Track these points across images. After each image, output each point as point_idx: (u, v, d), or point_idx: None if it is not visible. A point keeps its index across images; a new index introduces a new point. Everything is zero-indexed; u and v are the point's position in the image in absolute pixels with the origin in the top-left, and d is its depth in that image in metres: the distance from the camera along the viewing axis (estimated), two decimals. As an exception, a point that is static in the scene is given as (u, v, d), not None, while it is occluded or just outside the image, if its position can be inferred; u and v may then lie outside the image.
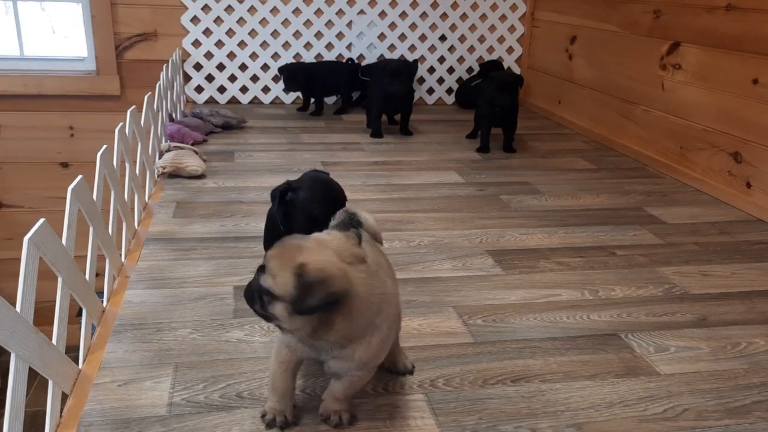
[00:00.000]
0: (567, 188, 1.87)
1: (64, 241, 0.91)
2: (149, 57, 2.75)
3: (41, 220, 0.82)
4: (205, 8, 2.73)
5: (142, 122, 1.59)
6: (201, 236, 1.43)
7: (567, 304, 1.19)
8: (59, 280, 0.90)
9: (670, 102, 2.05)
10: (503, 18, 2.98)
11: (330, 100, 2.92)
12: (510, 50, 3.03)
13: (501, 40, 3.01)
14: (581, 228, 1.57)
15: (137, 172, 1.53)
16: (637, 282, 1.29)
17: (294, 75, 2.58)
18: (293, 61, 2.85)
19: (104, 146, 1.21)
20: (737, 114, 1.77)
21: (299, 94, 2.81)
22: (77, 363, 0.94)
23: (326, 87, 2.75)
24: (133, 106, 1.51)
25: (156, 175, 1.78)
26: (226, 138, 2.26)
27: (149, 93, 1.74)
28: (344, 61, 2.80)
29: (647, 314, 1.16)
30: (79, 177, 1.01)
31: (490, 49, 3.01)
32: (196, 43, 2.77)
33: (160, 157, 1.84)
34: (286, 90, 2.63)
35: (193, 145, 2.12)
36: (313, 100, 2.73)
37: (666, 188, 1.90)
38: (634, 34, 2.22)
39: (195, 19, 2.74)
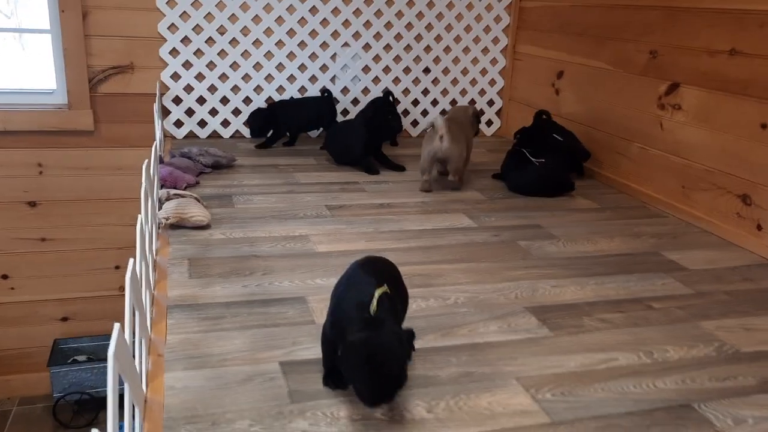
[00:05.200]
0: (579, 231, 1.85)
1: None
2: (125, 90, 2.62)
3: (116, 328, 0.73)
4: (185, 40, 2.62)
5: (151, 170, 1.48)
6: (226, 300, 1.33)
7: (628, 370, 1.16)
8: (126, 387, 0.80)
9: (669, 141, 2.07)
10: (485, 51, 2.98)
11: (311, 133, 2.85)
12: (492, 82, 3.03)
13: (483, 72, 3.01)
14: (609, 278, 1.55)
15: (149, 225, 1.42)
16: (685, 340, 1.27)
17: (268, 119, 2.57)
18: (277, 95, 2.77)
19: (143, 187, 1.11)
20: (744, 157, 1.80)
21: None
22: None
23: (308, 122, 2.70)
24: (146, 161, 1.41)
25: (158, 228, 1.67)
26: (218, 179, 2.16)
27: (154, 143, 1.63)
28: (321, 93, 2.72)
29: (710, 379, 1.14)
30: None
31: (473, 81, 3.00)
32: (176, 76, 2.65)
33: (159, 207, 1.73)
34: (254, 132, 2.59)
35: (186, 188, 2.02)
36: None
37: (674, 229, 1.91)
38: (628, 72, 2.24)
39: (174, 51, 2.62)
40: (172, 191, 1.79)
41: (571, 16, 2.55)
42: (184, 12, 2.59)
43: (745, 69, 1.79)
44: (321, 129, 2.81)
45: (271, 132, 2.62)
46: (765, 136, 1.74)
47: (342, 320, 1.00)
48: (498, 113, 3.08)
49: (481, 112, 2.39)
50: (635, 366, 1.17)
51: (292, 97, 2.75)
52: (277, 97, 2.77)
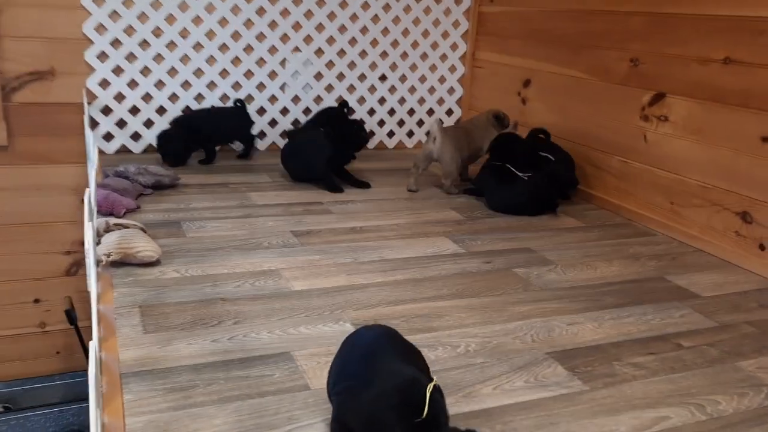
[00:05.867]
0: (573, 255, 1.69)
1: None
2: (44, 99, 2.29)
3: None
4: (115, 43, 2.32)
5: (91, 197, 1.21)
6: (194, 362, 1.08)
7: (685, 430, 0.99)
8: None
9: (654, 155, 1.95)
10: (444, 57, 2.81)
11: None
12: (451, 91, 2.87)
13: (442, 80, 2.84)
14: (624, 311, 1.39)
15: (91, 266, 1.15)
16: (731, 387, 1.12)
17: (188, 138, 2.27)
18: (220, 104, 2.50)
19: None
20: (744, 172, 1.69)
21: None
22: None
23: (223, 136, 2.43)
24: (87, 190, 1.14)
25: (98, 266, 1.39)
26: (161, 202, 1.88)
27: (90, 164, 1.36)
28: (235, 104, 2.42)
29: (780, 438, 0.98)
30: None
31: (431, 90, 2.83)
32: (104, 84, 2.34)
33: (97, 241, 1.45)
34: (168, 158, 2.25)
35: (125, 215, 1.73)
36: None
37: (669, 249, 1.78)
38: (606, 81, 2.12)
39: (103, 56, 2.31)
40: (112, 221, 1.51)
41: (540, 22, 2.41)
42: (114, 11, 2.29)
43: (741, 79, 1.68)
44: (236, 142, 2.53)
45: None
46: (766, 150, 1.63)
47: (372, 429, 0.77)
48: (457, 123, 2.92)
49: (503, 115, 2.17)
50: (691, 426, 1.00)
51: (201, 109, 2.43)
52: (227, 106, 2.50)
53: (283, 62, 2.57)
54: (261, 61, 2.54)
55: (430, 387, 0.75)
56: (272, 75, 2.57)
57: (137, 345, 1.12)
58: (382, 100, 2.76)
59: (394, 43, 2.71)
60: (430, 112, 2.86)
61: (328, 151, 2.11)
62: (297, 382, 1.05)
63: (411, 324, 1.27)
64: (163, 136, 2.23)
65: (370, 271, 1.51)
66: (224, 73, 2.50)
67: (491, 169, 2.07)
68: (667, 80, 1.90)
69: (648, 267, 1.65)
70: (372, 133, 2.76)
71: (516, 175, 1.98)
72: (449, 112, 2.89)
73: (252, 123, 2.44)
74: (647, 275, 1.59)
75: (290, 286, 1.40)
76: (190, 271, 1.43)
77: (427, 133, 2.22)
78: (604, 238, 1.84)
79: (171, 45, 2.40)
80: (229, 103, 2.48)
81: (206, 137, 2.33)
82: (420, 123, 2.85)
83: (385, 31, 2.68)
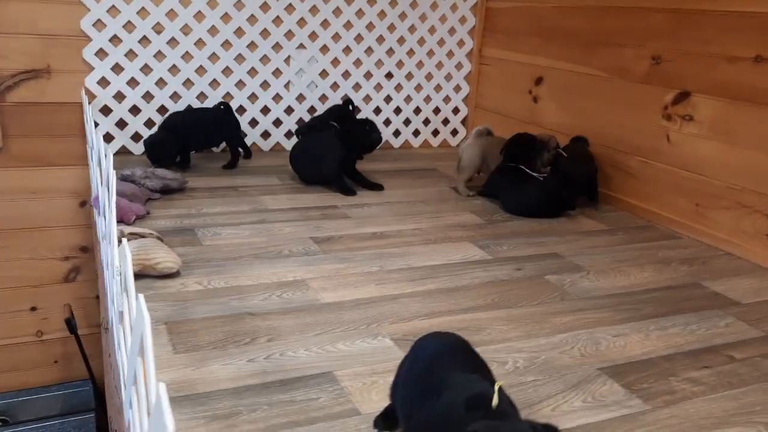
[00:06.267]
0: (603, 260, 1.64)
1: None
2: (40, 99, 2.19)
3: None
4: (114, 39, 2.22)
5: (109, 203, 1.13)
6: (233, 385, 1.01)
7: (760, 453, 0.94)
8: None
9: (678, 155, 1.91)
10: (450, 54, 2.75)
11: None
12: (457, 88, 2.81)
13: (448, 77, 2.77)
14: (667, 320, 1.34)
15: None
16: (795, 402, 1.07)
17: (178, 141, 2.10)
18: (218, 101, 2.42)
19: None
20: (776, 174, 1.65)
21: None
22: None
23: (212, 139, 2.28)
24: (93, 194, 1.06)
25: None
26: (171, 207, 1.80)
27: (103, 164, 1.27)
28: (220, 105, 2.26)
29: None
30: None
31: (438, 88, 2.76)
32: (103, 82, 2.25)
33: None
34: (162, 163, 2.07)
35: (135, 222, 1.65)
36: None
37: (697, 253, 1.74)
38: (624, 80, 2.07)
39: (101, 53, 2.22)
40: (127, 229, 1.43)
41: (551, 18, 2.36)
42: (113, 6, 2.19)
43: (774, 78, 1.64)
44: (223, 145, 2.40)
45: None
46: (800, 152, 1.59)
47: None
48: (463, 122, 2.86)
49: (550, 140, 2.06)
50: (764, 447, 0.95)
51: (184, 111, 2.25)
52: (231, 106, 2.42)
53: (287, 60, 2.49)
54: (265, 59, 2.45)
55: (498, 384, 0.71)
56: (276, 73, 2.49)
57: (170, 367, 1.04)
58: (388, 99, 2.69)
59: (401, 40, 2.64)
60: (437, 110, 2.79)
61: (340, 152, 2.04)
62: (345, 406, 0.98)
63: (453, 338, 1.20)
64: (155, 143, 2.07)
65: (398, 281, 1.44)
66: (227, 71, 2.41)
67: (504, 170, 2.01)
68: (692, 79, 1.85)
69: (680, 272, 1.60)
70: (379, 133, 2.69)
71: (529, 175, 1.93)
72: (455, 111, 2.83)
73: (239, 125, 2.31)
74: (682, 281, 1.55)
75: (320, 297, 1.33)
76: (212, 282, 1.36)
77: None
78: (630, 242, 1.79)
79: (172, 42, 2.31)
80: (228, 104, 2.35)
81: (198, 141, 2.22)
82: (426, 122, 2.79)
83: (392, 28, 2.61)
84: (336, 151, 2.02)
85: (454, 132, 2.85)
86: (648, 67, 1.99)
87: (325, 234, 1.69)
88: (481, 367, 0.83)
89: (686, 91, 1.88)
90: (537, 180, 1.93)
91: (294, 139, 2.56)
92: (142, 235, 1.42)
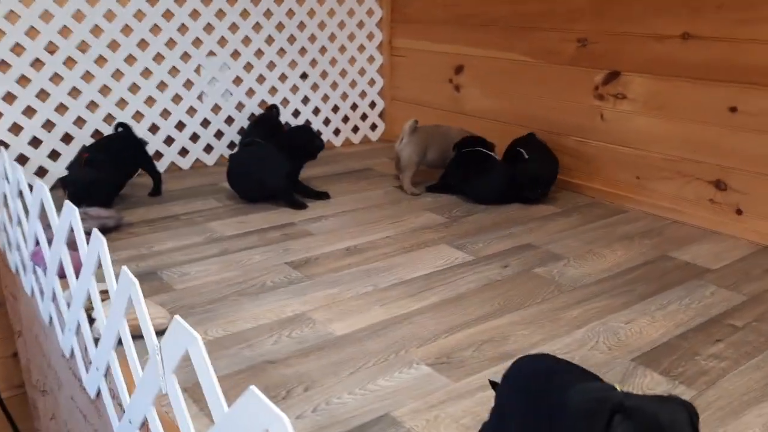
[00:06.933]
0: (573, 245, 1.69)
1: None
2: None
3: None
4: (2, 65, 1.95)
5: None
6: (296, 451, 0.92)
7: (811, 419, 1.00)
8: None
9: (613, 132, 1.99)
10: (361, 48, 2.69)
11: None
12: (371, 82, 2.76)
13: (362, 72, 2.72)
14: (662, 298, 1.40)
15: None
16: (808, 362, 1.16)
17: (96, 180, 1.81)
18: (134, 123, 2.21)
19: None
20: (713, 143, 1.76)
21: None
22: None
23: (131, 170, 2.01)
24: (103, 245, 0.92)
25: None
26: (117, 249, 1.62)
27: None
28: (117, 128, 2.03)
29: None
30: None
31: (353, 84, 2.70)
32: (-5, 115, 1.98)
33: (90, 320, 1.20)
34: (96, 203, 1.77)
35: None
36: None
37: (650, 225, 1.83)
38: (552, 63, 2.13)
39: (-11, 82, 1.94)
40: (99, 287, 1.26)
41: (467, 6, 2.37)
42: (-4, 27, 1.92)
43: (703, 53, 1.75)
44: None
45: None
46: (734, 120, 1.71)
47: None
48: (381, 115, 2.82)
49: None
50: (809, 412, 1.02)
51: (98, 143, 1.96)
52: (138, 127, 2.21)
53: (197, 69, 2.32)
54: (174, 70, 2.27)
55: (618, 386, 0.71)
56: (188, 84, 2.31)
57: (217, 444, 0.93)
58: (305, 100, 2.59)
59: (312, 38, 2.54)
60: (354, 106, 2.73)
61: (285, 164, 1.93)
62: (422, 450, 0.93)
63: (484, 353, 1.18)
64: (85, 182, 1.78)
65: (398, 298, 1.39)
66: (134, 88, 2.21)
67: (461, 159, 2.01)
68: (621, 59, 1.93)
69: (646, 246, 1.68)
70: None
71: (490, 162, 1.95)
72: (372, 105, 2.78)
73: (145, 146, 2.05)
74: (651, 255, 1.62)
75: (331, 330, 1.25)
76: (210, 332, 1.24)
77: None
78: (587, 222, 1.85)
79: (69, 61, 2.07)
80: (127, 125, 2.04)
81: (126, 172, 1.99)
82: (345, 119, 2.72)
83: (302, 26, 2.51)
84: (281, 164, 1.92)
85: (373, 126, 2.81)
86: (575, 49, 2.05)
87: (298, 257, 1.60)
88: (590, 374, 0.81)
89: (615, 71, 1.96)
90: (500, 164, 1.96)
91: (216, 154, 2.41)
92: (116, 292, 1.25)
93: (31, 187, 1.37)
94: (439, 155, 2.10)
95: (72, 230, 1.19)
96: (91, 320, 1.22)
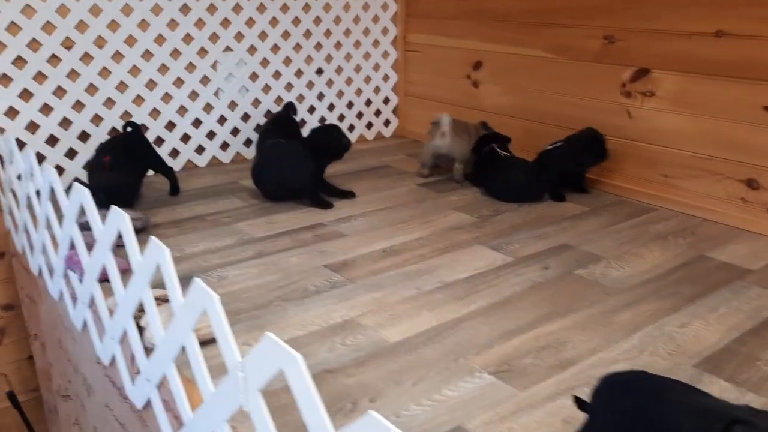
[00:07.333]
0: (609, 245, 1.68)
1: None
2: (-65, 140, 1.82)
3: None
4: (18, 61, 1.90)
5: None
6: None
7: None
8: None
9: (641, 130, 1.98)
10: (376, 43, 2.66)
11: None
12: (386, 78, 2.73)
13: (376, 67, 2.68)
14: (710, 301, 1.39)
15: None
16: None
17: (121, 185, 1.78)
18: (151, 120, 2.16)
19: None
20: (745, 141, 1.76)
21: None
22: None
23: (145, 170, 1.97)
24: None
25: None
26: (148, 253, 1.58)
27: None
28: (125, 128, 1.97)
29: None
30: None
31: (367, 79, 2.67)
32: (11, 113, 1.92)
33: (141, 332, 1.17)
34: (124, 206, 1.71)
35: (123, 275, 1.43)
36: None
37: (681, 224, 1.82)
38: (576, 60, 2.11)
39: (4, 79, 1.89)
40: (155, 293, 1.23)
41: (485, 1, 2.34)
42: (12, 23, 1.86)
43: (735, 51, 1.74)
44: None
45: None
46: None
47: None
48: (395, 111, 2.79)
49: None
50: None
51: (111, 141, 1.90)
52: (155, 124, 2.17)
53: (214, 65, 2.27)
54: (190, 66, 2.22)
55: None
56: (204, 80, 2.26)
57: (293, 460, 0.91)
58: (320, 96, 2.56)
59: (327, 33, 2.50)
60: (368, 102, 2.70)
61: (311, 164, 1.90)
62: (503, 464, 0.91)
63: (545, 360, 1.16)
64: (117, 186, 1.74)
65: (445, 302, 1.37)
66: (151, 84, 2.16)
67: (481, 159, 2.02)
68: (650, 56, 1.92)
69: (682, 247, 1.67)
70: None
71: (508, 158, 1.96)
72: (386, 101, 2.75)
73: (149, 144, 1.99)
74: (689, 256, 1.61)
75: (385, 337, 1.23)
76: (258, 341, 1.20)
77: (432, 124, 2.14)
78: (618, 222, 1.84)
79: (86, 57, 2.01)
80: (135, 122, 1.98)
81: (142, 173, 1.95)
82: (359, 115, 2.69)
83: (317, 21, 2.46)
84: (307, 163, 1.88)
85: (387, 123, 2.78)
86: (601, 46, 2.04)
87: (335, 259, 1.57)
88: (698, 390, 0.80)
89: (644, 68, 1.94)
90: (519, 160, 1.96)
91: (232, 151, 2.37)
92: (164, 300, 1.22)
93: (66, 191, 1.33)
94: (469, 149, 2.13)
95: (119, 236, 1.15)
96: (139, 328, 1.18)
